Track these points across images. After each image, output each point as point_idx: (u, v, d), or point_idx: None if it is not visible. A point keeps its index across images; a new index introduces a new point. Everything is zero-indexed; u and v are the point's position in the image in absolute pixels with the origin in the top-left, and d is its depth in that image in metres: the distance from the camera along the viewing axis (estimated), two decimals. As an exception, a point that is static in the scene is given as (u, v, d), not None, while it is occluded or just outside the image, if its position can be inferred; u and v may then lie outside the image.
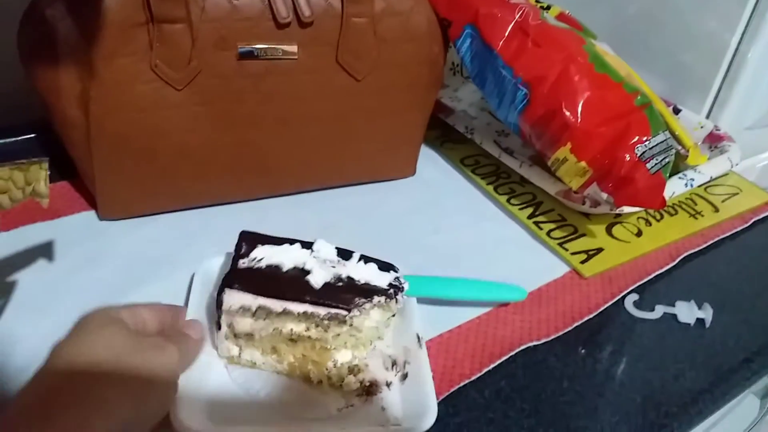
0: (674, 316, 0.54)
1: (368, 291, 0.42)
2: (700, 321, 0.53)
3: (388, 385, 0.43)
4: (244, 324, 0.41)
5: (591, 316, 0.53)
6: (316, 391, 0.43)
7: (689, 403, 0.47)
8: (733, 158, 0.68)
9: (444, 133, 0.74)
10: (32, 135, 0.62)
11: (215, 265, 0.49)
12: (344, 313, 0.41)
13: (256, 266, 0.42)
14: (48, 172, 0.37)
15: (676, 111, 0.74)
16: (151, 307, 0.42)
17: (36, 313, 0.47)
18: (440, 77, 0.62)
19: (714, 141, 0.72)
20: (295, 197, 0.63)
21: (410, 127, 0.64)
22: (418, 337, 0.45)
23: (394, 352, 0.45)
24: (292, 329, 0.42)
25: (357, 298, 0.42)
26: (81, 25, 0.45)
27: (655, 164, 0.53)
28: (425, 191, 0.67)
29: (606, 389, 0.47)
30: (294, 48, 0.51)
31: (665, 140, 0.55)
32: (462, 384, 0.46)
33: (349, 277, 0.43)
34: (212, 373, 0.43)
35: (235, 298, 0.41)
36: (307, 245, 0.45)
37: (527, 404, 0.45)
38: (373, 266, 0.44)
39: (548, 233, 0.61)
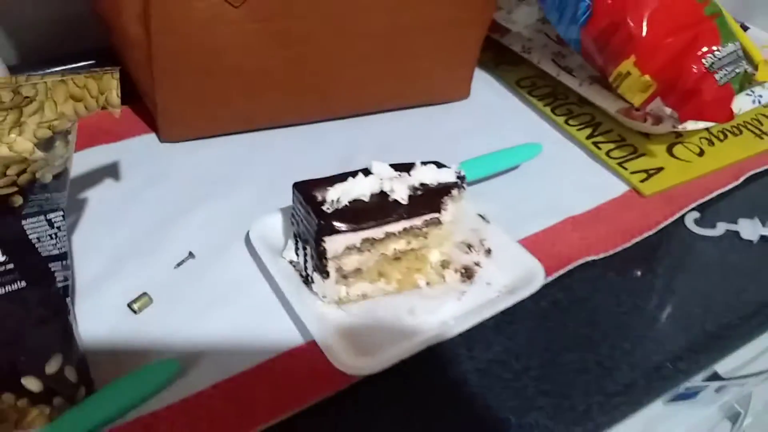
0: (737, 233, 0.53)
1: (444, 188, 0.44)
2: (763, 238, 0.52)
3: (477, 264, 0.47)
4: (351, 262, 0.42)
5: (651, 232, 0.52)
6: (429, 294, 0.45)
7: (750, 315, 0.47)
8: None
9: (498, 55, 0.72)
10: (92, 61, 0.63)
11: (268, 224, 0.49)
12: (437, 215, 0.44)
13: (341, 206, 0.42)
14: (119, 83, 0.38)
15: (744, 28, 0.71)
16: None
17: (106, 227, 0.49)
18: (497, -7, 0.60)
19: (784, 59, 0.68)
20: (350, 120, 0.63)
21: (466, 44, 0.62)
22: (482, 216, 0.49)
23: (465, 237, 0.48)
24: (395, 248, 0.43)
25: (441, 198, 0.43)
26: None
27: (724, 75, 0.51)
28: (480, 113, 0.66)
29: (665, 302, 0.47)
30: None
31: (735, 51, 0.53)
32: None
33: (422, 184, 0.44)
34: (333, 319, 0.43)
35: (338, 242, 0.41)
36: (365, 172, 0.45)
37: (585, 315, 0.46)
38: (432, 167, 0.44)
39: (607, 153, 0.60)
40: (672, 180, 0.57)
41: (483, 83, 0.70)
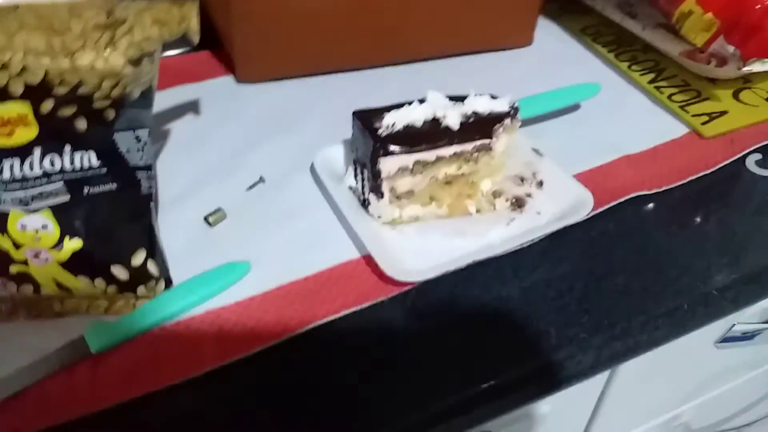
0: (800, 176, 0.52)
1: (496, 117, 0.46)
2: (829, 180, 0.51)
3: (529, 195, 0.49)
4: (404, 183, 0.45)
5: (709, 171, 0.52)
6: (479, 219, 0.48)
7: (807, 252, 0.46)
8: None
9: (562, 5, 0.73)
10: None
11: (331, 154, 0.52)
12: (488, 141, 0.46)
13: (395, 131, 0.45)
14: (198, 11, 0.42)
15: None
16: None
17: (185, 155, 0.54)
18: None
19: None
20: (414, 65, 0.65)
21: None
22: (536, 150, 0.51)
23: (518, 170, 0.50)
24: (446, 173, 0.46)
25: (493, 126, 0.45)
26: None
27: (791, 13, 0.50)
28: (543, 60, 0.67)
29: (717, 236, 0.48)
30: None
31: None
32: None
33: (474, 112, 0.46)
34: (387, 236, 0.46)
35: (391, 163, 0.44)
36: (421, 101, 0.47)
37: (633, 244, 0.47)
38: (486, 98, 0.46)
39: (669, 97, 0.60)
40: (736, 123, 0.57)
41: (547, 31, 0.70)
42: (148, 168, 0.44)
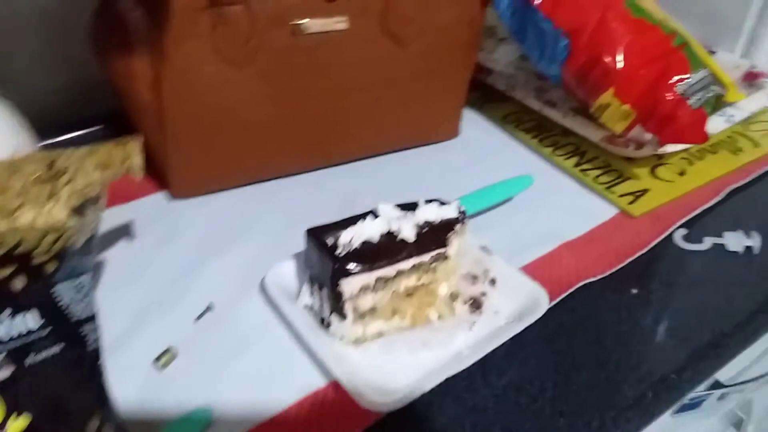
0: (723, 246, 0.56)
1: (448, 224, 0.47)
2: (748, 249, 0.56)
3: (484, 294, 0.50)
4: (366, 301, 0.45)
5: (643, 251, 0.55)
6: (441, 327, 0.48)
7: (744, 322, 0.49)
8: (770, 93, 0.69)
9: (483, 95, 0.76)
10: (100, 126, 0.66)
11: (282, 271, 0.51)
12: (443, 250, 0.46)
13: (352, 248, 0.44)
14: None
15: (712, 53, 0.75)
16: None
17: (125, 286, 0.51)
18: (480, 36, 0.64)
19: (751, 79, 0.73)
20: (349, 166, 0.66)
21: (454, 88, 0.66)
22: (484, 248, 0.52)
23: (470, 269, 0.51)
24: (406, 285, 0.46)
25: (446, 234, 0.46)
26: (150, 13, 0.48)
27: (697, 100, 0.55)
28: (470, 150, 0.69)
29: (663, 317, 0.50)
30: (344, 20, 0.54)
31: (705, 77, 0.57)
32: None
33: (426, 221, 0.46)
34: (352, 358, 0.45)
35: (353, 283, 0.44)
36: (372, 214, 0.48)
37: (589, 335, 0.48)
38: (435, 205, 0.47)
39: (594, 179, 0.63)
40: (658, 200, 0.60)
41: (471, 122, 0.73)
42: (92, 319, 0.41)
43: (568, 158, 0.66)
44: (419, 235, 0.46)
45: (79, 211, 0.38)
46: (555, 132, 0.70)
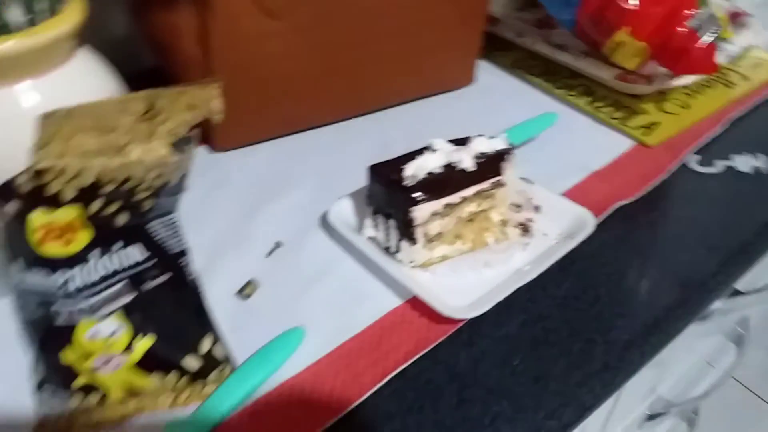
0: (733, 168, 0.61)
1: (500, 154, 0.50)
2: (757, 170, 0.61)
3: (530, 220, 0.53)
4: (435, 226, 0.48)
5: (665, 175, 0.60)
6: (498, 249, 0.51)
7: (763, 231, 0.55)
8: (756, 30, 0.75)
9: (489, 44, 0.79)
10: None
11: (340, 208, 0.53)
12: (500, 177, 0.50)
13: (419, 180, 0.47)
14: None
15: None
16: None
17: (189, 232, 0.52)
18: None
19: (735, 18, 0.78)
20: (377, 115, 0.69)
21: (469, 36, 0.69)
22: (525, 179, 0.55)
23: (514, 198, 0.54)
24: (468, 211, 0.49)
25: (500, 162, 0.50)
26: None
27: (704, 33, 0.60)
28: (487, 96, 0.73)
29: (691, 230, 0.55)
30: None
31: (710, 13, 0.61)
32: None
33: (481, 152, 0.49)
34: (422, 279, 0.48)
35: (424, 210, 0.47)
36: (429, 149, 0.50)
37: (630, 249, 0.53)
38: (484, 139, 0.50)
39: (608, 115, 0.67)
40: (669, 131, 0.65)
41: (482, 70, 0.76)
42: (185, 252, 0.43)
43: (580, 98, 0.70)
44: (478, 164, 0.49)
45: (177, 148, 0.40)
46: (564, 75, 0.74)
